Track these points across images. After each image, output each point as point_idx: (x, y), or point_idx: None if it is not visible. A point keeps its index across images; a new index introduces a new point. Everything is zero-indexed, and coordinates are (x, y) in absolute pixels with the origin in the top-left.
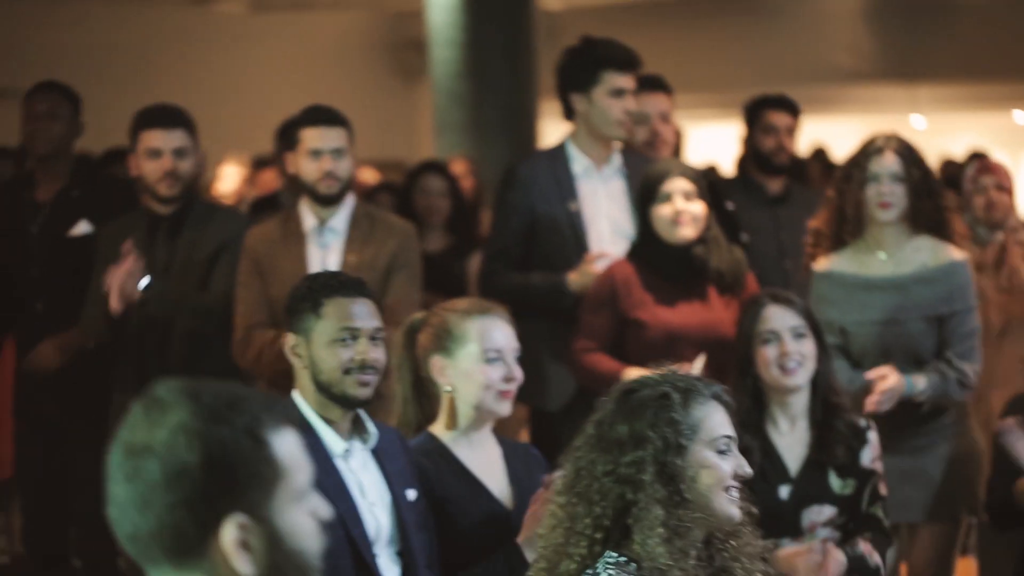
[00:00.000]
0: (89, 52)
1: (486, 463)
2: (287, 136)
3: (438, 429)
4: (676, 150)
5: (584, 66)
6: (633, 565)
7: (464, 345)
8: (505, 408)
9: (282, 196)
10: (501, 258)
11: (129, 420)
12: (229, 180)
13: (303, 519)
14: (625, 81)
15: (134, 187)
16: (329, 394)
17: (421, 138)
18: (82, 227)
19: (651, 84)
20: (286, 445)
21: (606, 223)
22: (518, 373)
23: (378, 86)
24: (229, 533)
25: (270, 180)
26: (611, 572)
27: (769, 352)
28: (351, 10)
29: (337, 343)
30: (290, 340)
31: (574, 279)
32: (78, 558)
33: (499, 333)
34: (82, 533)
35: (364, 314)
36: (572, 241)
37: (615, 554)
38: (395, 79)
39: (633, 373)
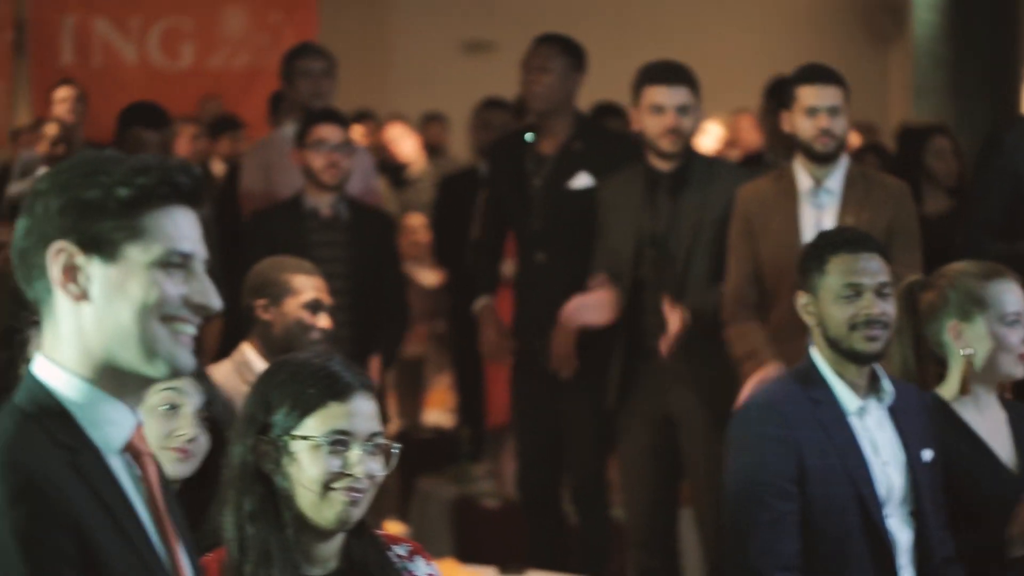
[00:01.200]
0: (568, 8)
1: (993, 427)
2: (778, 94)
3: (945, 391)
4: None
5: None
6: None
7: (985, 309)
8: (1021, 371)
9: (767, 154)
10: (985, 227)
11: None
12: (709, 137)
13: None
14: None
15: (634, 141)
16: (839, 350)
17: (892, 102)
18: (583, 180)
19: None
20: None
21: None
22: None
23: (850, 50)
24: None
25: (751, 138)
26: None
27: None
28: None
29: (842, 299)
30: (801, 298)
31: None
32: (571, 503)
33: (1014, 296)
34: (576, 479)
35: (870, 270)
36: None
37: None
38: (866, 43)
39: None
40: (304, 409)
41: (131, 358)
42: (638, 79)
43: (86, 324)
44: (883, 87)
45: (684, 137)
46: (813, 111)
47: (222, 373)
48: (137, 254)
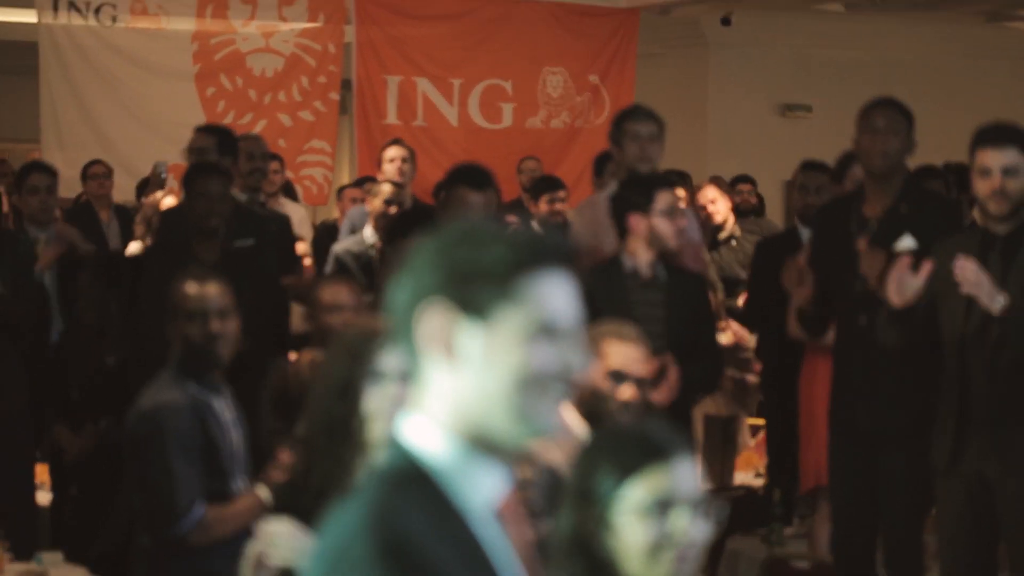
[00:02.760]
0: (878, 69)
1: None
2: None
3: None
4: None
5: None
6: None
7: None
8: None
9: None
10: None
11: None
12: None
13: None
14: None
15: (958, 204)
16: None
17: None
18: (907, 242)
19: None
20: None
21: None
22: None
23: None
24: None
25: None
26: None
27: None
28: None
29: None
30: None
31: None
32: (884, 567)
33: None
34: (891, 544)
35: None
36: None
37: None
38: None
39: None
40: (626, 475)
41: (500, 424)
42: (972, 141)
43: (460, 387)
44: None
45: (1011, 199)
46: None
47: None
48: (514, 319)
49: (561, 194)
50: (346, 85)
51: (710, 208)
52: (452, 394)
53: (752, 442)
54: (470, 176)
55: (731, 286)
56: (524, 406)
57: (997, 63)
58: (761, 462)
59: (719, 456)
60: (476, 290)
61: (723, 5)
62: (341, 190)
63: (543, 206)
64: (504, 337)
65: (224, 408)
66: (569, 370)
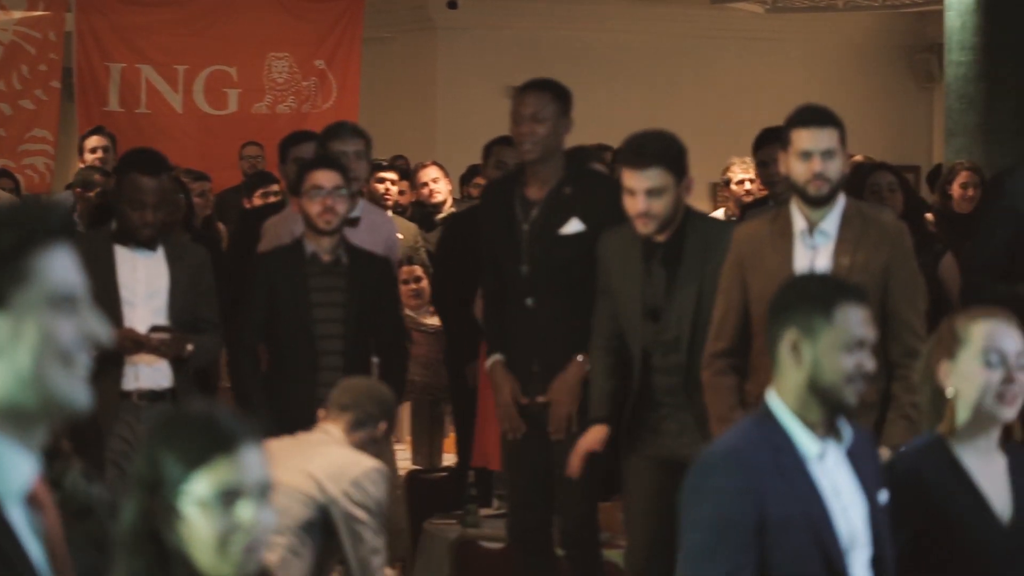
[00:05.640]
0: (605, 51)
1: (990, 474)
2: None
3: (947, 432)
4: None
5: None
6: None
7: (966, 347)
8: (1006, 413)
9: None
10: (988, 269)
11: None
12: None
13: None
14: None
15: (616, 185)
16: (824, 397)
17: (936, 143)
18: (574, 225)
19: None
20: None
21: None
22: (1021, 378)
23: (894, 89)
24: None
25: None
26: None
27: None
28: (869, 11)
29: (846, 351)
30: (791, 335)
31: None
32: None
33: (1003, 336)
34: (567, 524)
35: (869, 323)
36: None
37: None
38: (911, 82)
39: None
40: (191, 465)
41: (30, 400)
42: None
43: None
44: (927, 129)
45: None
46: (807, 155)
47: None
48: (25, 298)
49: (275, 188)
50: (69, 73)
51: (432, 186)
52: None
53: None
54: (143, 162)
55: None
56: (51, 380)
57: (723, 44)
58: None
59: (426, 438)
60: None
61: None
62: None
63: (256, 200)
64: (23, 318)
65: None
66: (91, 338)
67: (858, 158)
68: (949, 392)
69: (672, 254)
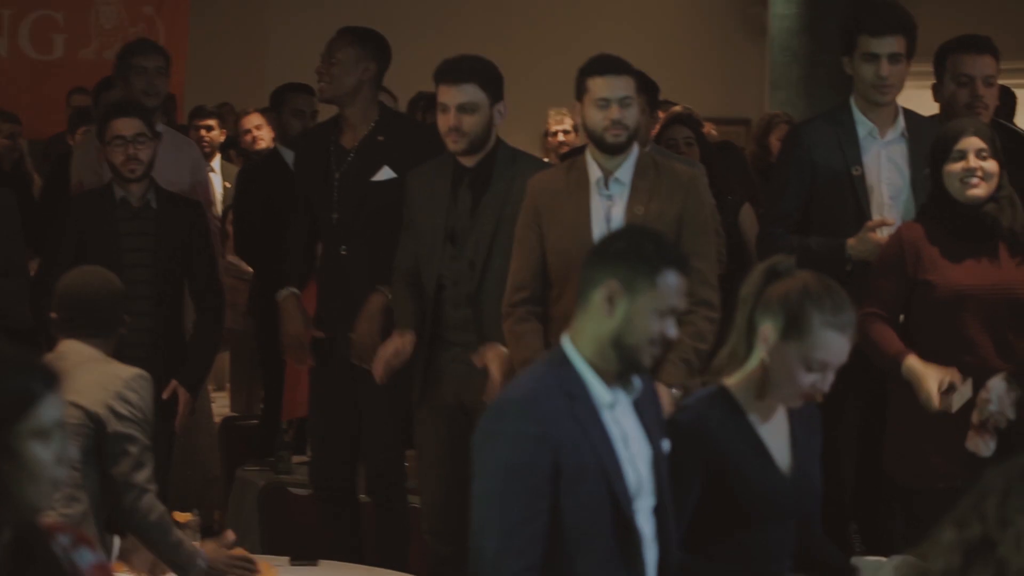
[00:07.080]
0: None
1: (774, 428)
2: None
3: (736, 385)
4: (1003, 114)
5: (846, 28)
6: None
7: (801, 340)
8: (796, 404)
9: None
10: (781, 221)
11: None
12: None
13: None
14: (879, 45)
15: (433, 129)
16: (622, 353)
17: (766, 96)
18: (385, 173)
19: (978, 46)
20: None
21: (886, 188)
22: (829, 378)
23: (725, 42)
24: None
25: None
26: None
27: None
28: None
29: (658, 314)
30: (611, 286)
31: (853, 245)
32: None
33: (836, 351)
34: (374, 470)
35: (684, 293)
36: (853, 206)
37: None
38: (740, 35)
39: (913, 363)
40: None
41: None
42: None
43: None
44: (758, 81)
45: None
46: (604, 102)
47: None
48: None
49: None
50: None
51: (255, 133)
52: None
53: None
54: None
55: None
56: None
57: None
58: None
59: (245, 386)
60: None
61: None
62: None
63: (79, 138)
64: None
65: None
66: None
67: (677, 109)
68: (765, 359)
69: (480, 179)
